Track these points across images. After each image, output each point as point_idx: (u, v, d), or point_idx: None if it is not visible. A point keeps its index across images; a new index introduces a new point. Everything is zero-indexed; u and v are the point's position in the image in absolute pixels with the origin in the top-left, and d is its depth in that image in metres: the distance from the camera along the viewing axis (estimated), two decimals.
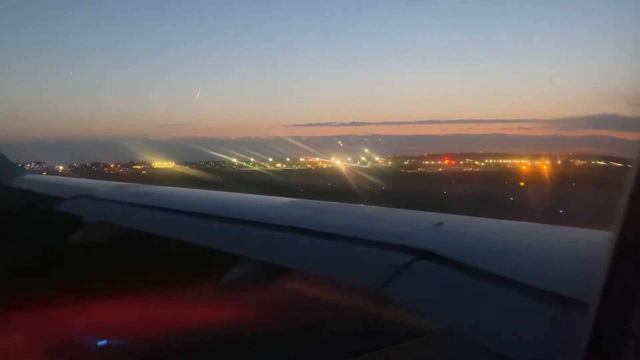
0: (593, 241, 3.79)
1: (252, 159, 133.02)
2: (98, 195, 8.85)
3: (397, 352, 11.52)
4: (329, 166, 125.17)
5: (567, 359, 2.37)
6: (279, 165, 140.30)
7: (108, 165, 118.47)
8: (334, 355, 11.51)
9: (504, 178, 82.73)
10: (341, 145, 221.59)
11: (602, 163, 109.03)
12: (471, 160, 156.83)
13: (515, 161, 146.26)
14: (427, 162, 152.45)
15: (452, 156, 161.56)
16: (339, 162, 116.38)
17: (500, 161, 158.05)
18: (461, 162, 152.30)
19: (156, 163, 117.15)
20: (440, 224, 4.61)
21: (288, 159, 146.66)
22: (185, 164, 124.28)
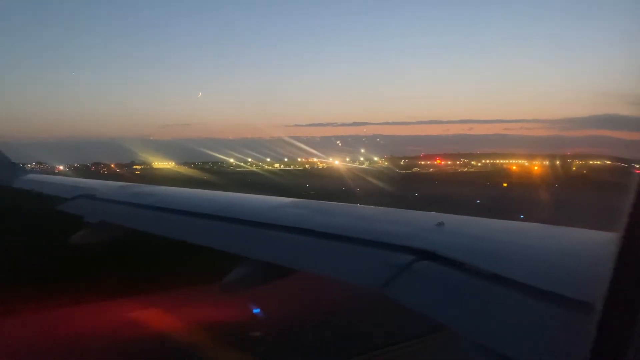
0: (593, 242, 3.80)
1: (249, 159, 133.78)
2: (99, 196, 8.86)
3: (398, 352, 11.50)
4: (326, 166, 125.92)
5: None
6: (276, 165, 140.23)
7: (108, 165, 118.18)
8: (335, 355, 11.50)
9: (490, 179, 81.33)
10: (340, 145, 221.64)
11: (598, 163, 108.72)
12: (467, 161, 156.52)
13: (515, 161, 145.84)
14: (422, 163, 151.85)
15: (450, 156, 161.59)
16: (337, 162, 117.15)
17: (498, 161, 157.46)
18: (457, 162, 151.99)
19: (156, 163, 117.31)
20: (441, 224, 4.60)
21: (286, 159, 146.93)
22: (187, 164, 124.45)
